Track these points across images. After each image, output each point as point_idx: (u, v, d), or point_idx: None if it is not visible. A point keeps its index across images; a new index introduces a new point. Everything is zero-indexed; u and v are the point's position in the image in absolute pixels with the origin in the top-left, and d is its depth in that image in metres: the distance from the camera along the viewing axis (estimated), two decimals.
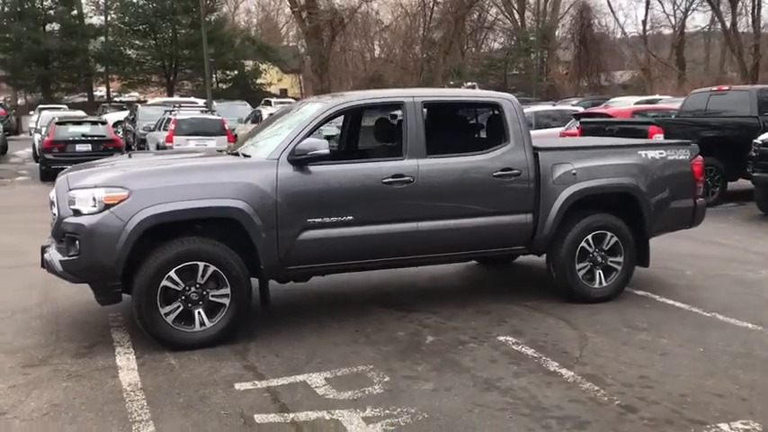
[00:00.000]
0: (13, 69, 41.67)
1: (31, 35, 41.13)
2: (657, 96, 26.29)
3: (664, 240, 7.10)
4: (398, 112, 5.85)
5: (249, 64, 51.27)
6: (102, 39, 45.47)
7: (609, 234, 6.18)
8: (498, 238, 5.94)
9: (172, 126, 18.69)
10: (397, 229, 5.55)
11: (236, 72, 47.43)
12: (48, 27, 43.06)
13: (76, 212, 4.93)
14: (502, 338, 5.34)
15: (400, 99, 5.79)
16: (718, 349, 5.09)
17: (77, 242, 4.90)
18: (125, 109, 31.23)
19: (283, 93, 52.74)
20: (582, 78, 49.68)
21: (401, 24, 54.96)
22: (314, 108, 5.70)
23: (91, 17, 45.55)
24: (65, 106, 34.70)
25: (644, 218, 6.28)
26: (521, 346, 5.17)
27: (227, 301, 5.13)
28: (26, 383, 4.51)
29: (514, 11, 53.12)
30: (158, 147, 18.77)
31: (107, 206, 4.86)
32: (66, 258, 4.98)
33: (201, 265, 5.03)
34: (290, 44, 52.55)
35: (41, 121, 23.10)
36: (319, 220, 5.31)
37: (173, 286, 5.00)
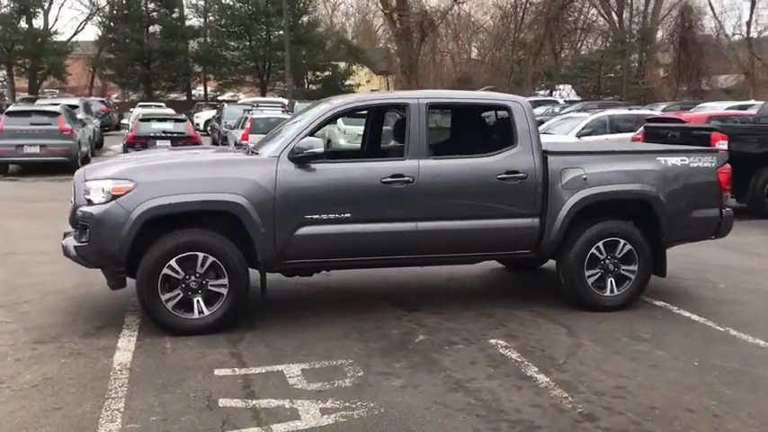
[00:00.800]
0: (118, 68, 44.28)
1: (135, 36, 43.58)
2: (752, 102, 24.97)
3: (707, 251, 6.85)
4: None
5: (342, 65, 52.27)
6: (201, 40, 47.50)
7: (622, 241, 6.03)
8: (502, 242, 5.91)
9: (248, 125, 19.37)
10: (395, 229, 5.63)
11: (326, 73, 48.44)
12: (150, 29, 45.37)
13: (89, 202, 5.30)
14: (493, 341, 5.33)
15: (405, 100, 5.88)
16: (714, 364, 4.90)
17: (88, 229, 5.27)
18: (218, 108, 32.55)
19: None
20: (681, 83, 47.63)
21: (492, 26, 54.65)
22: (319, 109, 5.87)
23: (190, 19, 47.71)
24: (162, 104, 36.52)
25: (661, 226, 6.09)
26: (508, 350, 5.14)
27: (224, 291, 5.37)
28: (30, 357, 4.91)
29: (612, 12, 51.54)
30: (236, 144, 19.48)
31: (114, 197, 5.20)
32: (79, 244, 5.36)
33: (201, 255, 5.30)
34: (381, 46, 53.11)
35: (132, 117, 24.43)
36: (317, 216, 5.47)
37: (173, 274, 5.28)
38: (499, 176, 5.77)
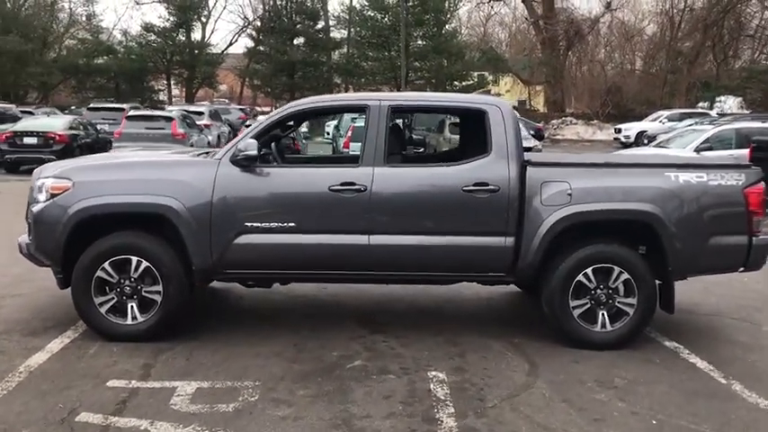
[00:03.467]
0: (264, 79, 46.34)
1: (280, 48, 45.38)
2: None
3: None
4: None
5: (487, 74, 51.44)
6: (343, 51, 48.63)
7: (616, 269, 5.15)
8: (468, 262, 5.23)
9: (349, 132, 19.39)
10: (345, 241, 5.14)
11: (465, 83, 47.85)
12: (295, 41, 47.09)
13: (35, 200, 5.29)
14: (432, 374, 4.70)
15: (364, 102, 5.37)
16: (677, 425, 3.99)
17: (32, 228, 5.26)
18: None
19: (521, 104, 51.84)
20: None
21: (646, 33, 51.50)
22: (274, 111, 5.52)
23: (332, 31, 48.94)
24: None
25: (666, 253, 5.13)
26: (440, 386, 4.50)
27: (159, 297, 5.15)
28: None
29: None
30: (333, 151, 19.59)
31: (52, 195, 5.14)
32: (27, 242, 5.37)
33: (135, 259, 5.11)
34: (524, 55, 51.66)
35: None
36: (258, 224, 5.11)
37: (107, 278, 5.14)
38: (465, 188, 5.11)
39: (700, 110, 36.23)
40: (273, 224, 5.12)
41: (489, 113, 5.29)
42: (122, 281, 5.15)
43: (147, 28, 45.68)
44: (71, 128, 19.60)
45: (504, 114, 5.29)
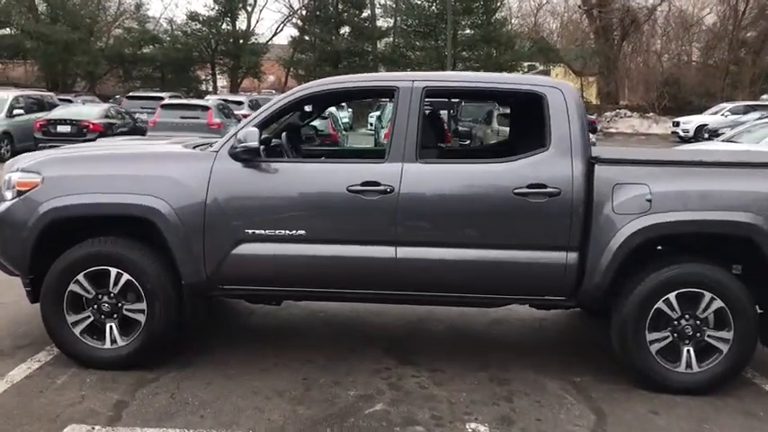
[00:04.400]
0: (307, 69, 45.53)
1: (324, 38, 44.53)
2: None
3: None
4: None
5: (538, 65, 49.81)
6: (388, 40, 47.54)
7: (707, 295, 4.08)
8: (519, 282, 4.21)
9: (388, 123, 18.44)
10: (366, 254, 4.18)
11: (518, 72, 46.31)
12: (340, 30, 46.22)
13: (3, 197, 4.46)
14: (472, 426, 3.71)
15: (392, 83, 4.38)
16: None
17: None
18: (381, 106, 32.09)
19: None
20: None
21: (707, 22, 49.08)
22: (283, 95, 4.58)
23: (378, 20, 47.85)
24: (344, 104, 36.77)
25: None
26: None
27: (142, 317, 4.27)
28: None
29: None
30: (375, 143, 18.70)
31: (19, 193, 4.30)
32: None
33: (114, 271, 4.24)
34: (577, 45, 49.82)
35: None
36: (261, 231, 4.18)
37: (82, 292, 4.28)
38: (517, 190, 4.09)
39: (766, 102, 34.14)
40: (279, 231, 4.18)
41: (548, 98, 4.25)
42: (100, 296, 4.29)
43: (192, 17, 45.26)
44: (106, 116, 19.14)
45: (567, 99, 4.25)
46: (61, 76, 41.54)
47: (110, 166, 4.38)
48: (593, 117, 32.92)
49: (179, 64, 44.46)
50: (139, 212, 4.17)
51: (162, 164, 4.32)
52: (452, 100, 15.75)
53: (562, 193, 4.08)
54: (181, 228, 4.15)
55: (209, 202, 4.17)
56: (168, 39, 45.74)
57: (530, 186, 4.10)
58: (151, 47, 45.18)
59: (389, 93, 4.40)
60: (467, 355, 4.73)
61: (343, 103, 27.02)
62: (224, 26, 46.44)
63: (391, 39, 47.40)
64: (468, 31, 45.63)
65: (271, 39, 50.51)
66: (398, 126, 4.25)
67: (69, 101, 23.83)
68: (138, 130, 19.80)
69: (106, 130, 18.30)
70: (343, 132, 20.46)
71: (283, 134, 4.99)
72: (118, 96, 34.16)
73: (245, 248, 4.20)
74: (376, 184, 4.14)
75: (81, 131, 17.86)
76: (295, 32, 48.73)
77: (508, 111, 5.49)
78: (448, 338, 5.16)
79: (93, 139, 17.03)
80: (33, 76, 42.76)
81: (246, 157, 4.16)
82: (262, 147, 4.35)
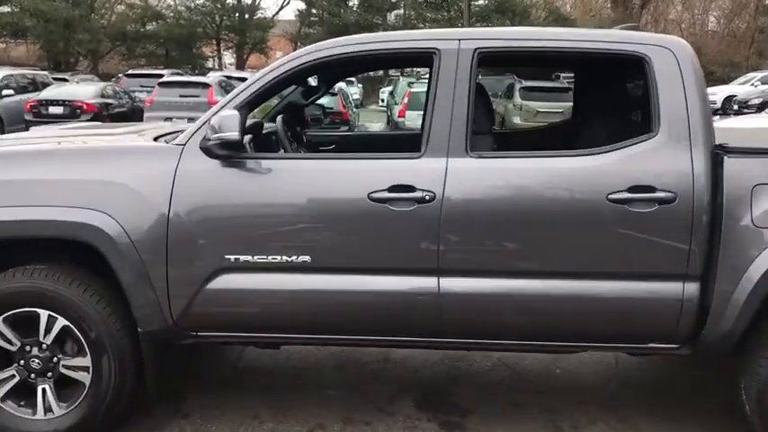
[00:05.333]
0: (314, 42, 44.14)
1: (332, 10, 43.05)
2: None
3: None
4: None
5: None
6: (397, 12, 46.03)
7: None
8: (613, 324, 2.97)
9: (406, 99, 17.12)
10: (397, 288, 2.95)
11: None
12: (349, 2, 44.73)
13: None
14: None
15: (430, 44, 3.09)
16: None
17: None
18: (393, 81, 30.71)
19: None
20: None
21: None
22: (278, 62, 3.31)
23: None
24: (353, 80, 35.39)
25: None
26: None
27: (87, 377, 3.07)
28: None
29: None
30: (388, 121, 17.45)
31: None
32: None
33: (44, 314, 3.03)
34: (592, 15, 48.04)
35: None
36: (248, 257, 2.95)
37: (3, 343, 3.08)
38: (613, 195, 2.84)
39: None
40: (273, 257, 2.95)
41: (653, 61, 2.97)
42: (28, 348, 3.09)
43: None
44: (102, 96, 17.94)
45: (681, 62, 2.97)
46: (63, 55, 40.31)
47: (32, 166, 3.12)
48: None
49: (183, 41, 43.14)
50: (70, 233, 2.94)
51: (106, 163, 3.07)
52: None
53: (678, 199, 2.82)
54: (134, 254, 2.93)
55: (173, 217, 2.94)
56: (172, 15, 44.35)
57: (631, 190, 2.84)
58: (155, 23, 43.82)
59: (427, 57, 3.11)
60: (526, 415, 3.51)
61: (352, 78, 25.70)
62: (228, 0, 44.94)
63: (402, 11, 45.92)
64: (481, 1, 44.01)
65: (277, 13, 48.95)
66: (440, 106, 2.98)
67: (65, 80, 22.59)
68: (136, 110, 18.67)
69: (101, 111, 17.17)
70: (354, 110, 19.15)
71: (279, 118, 3.74)
72: (120, 75, 32.98)
73: (226, 281, 2.98)
74: (409, 189, 2.89)
75: (74, 112, 16.72)
76: (302, 5, 47.24)
77: (572, 78, 4.17)
78: (502, 388, 3.92)
79: (88, 121, 15.93)
80: (35, 56, 41.54)
81: (224, 152, 2.92)
82: (248, 137, 3.12)
